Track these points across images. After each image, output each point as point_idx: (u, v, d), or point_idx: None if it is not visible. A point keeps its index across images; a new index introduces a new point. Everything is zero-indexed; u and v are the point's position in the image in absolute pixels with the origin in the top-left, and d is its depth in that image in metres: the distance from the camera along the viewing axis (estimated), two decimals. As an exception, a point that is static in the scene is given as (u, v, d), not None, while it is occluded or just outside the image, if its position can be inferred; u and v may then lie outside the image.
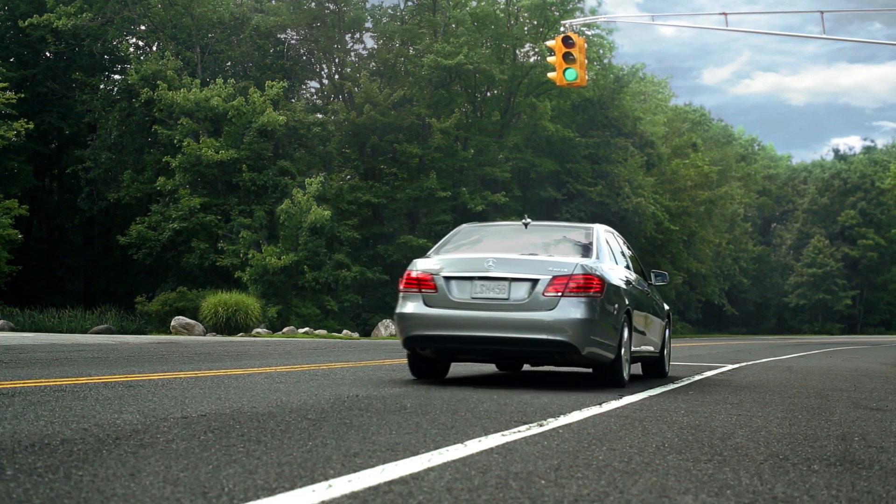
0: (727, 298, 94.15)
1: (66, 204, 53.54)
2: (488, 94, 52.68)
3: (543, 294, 8.89)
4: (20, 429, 4.79)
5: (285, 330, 37.54)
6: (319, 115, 47.55)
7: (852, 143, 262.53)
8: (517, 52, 52.32)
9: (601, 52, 53.62)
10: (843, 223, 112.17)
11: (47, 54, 51.79)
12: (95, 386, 7.70)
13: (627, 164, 54.38)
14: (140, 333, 38.34)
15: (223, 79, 44.60)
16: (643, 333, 10.87)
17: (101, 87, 49.07)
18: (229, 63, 50.70)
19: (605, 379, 9.63)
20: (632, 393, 8.76)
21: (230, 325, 37.31)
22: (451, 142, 48.20)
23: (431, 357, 9.71)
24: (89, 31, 46.72)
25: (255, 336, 34.85)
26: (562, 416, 6.37)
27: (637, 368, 12.30)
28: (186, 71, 45.75)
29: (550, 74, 26.30)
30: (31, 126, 42.40)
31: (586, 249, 9.87)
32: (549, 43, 26.13)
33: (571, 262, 9.15)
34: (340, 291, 42.68)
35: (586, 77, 26.15)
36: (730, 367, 16.12)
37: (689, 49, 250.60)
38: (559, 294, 8.85)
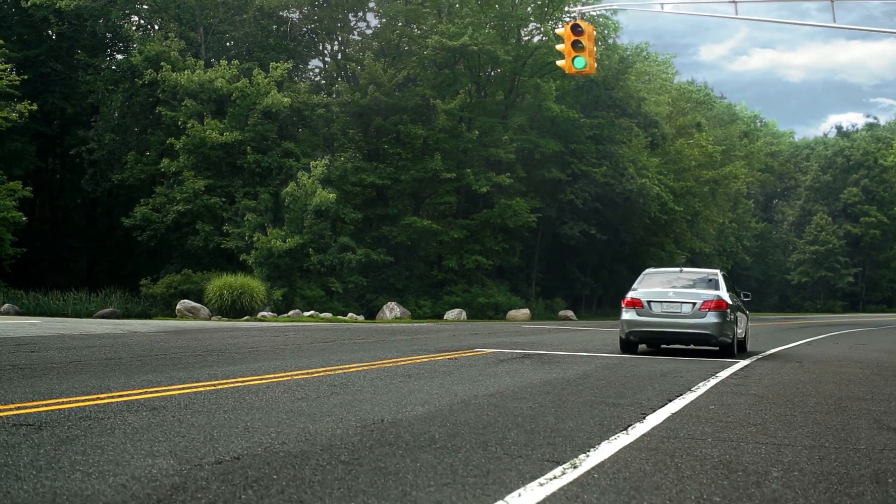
0: (729, 273, 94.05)
1: (69, 184, 53.46)
2: (492, 73, 52.45)
3: (699, 310, 17.38)
4: (59, 486, 4.76)
5: (290, 313, 37.55)
6: (324, 96, 47.26)
7: (850, 119, 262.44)
8: (521, 32, 52.08)
9: (606, 32, 53.34)
10: (846, 200, 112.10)
11: (50, 34, 51.54)
12: (119, 409, 7.68)
13: (632, 145, 54.24)
14: (145, 316, 38.37)
15: (227, 60, 44.41)
16: (738, 326, 18.60)
17: (104, 67, 48.77)
18: (232, 42, 50.47)
19: (726, 354, 17.67)
20: (654, 411, 8.76)
21: (235, 308, 37.31)
22: (455, 123, 48.04)
23: (635, 342, 18.01)
24: (92, 11, 46.51)
25: (260, 320, 34.86)
26: (591, 449, 6.35)
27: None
28: (190, 52, 45.52)
29: (559, 62, 26.17)
30: (35, 108, 42.28)
31: (716, 285, 18.42)
32: (559, 31, 25.99)
33: (711, 293, 17.80)
34: (345, 273, 42.64)
35: (595, 64, 26.02)
36: (741, 363, 16.07)
37: (687, 26, 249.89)
38: (707, 310, 17.34)
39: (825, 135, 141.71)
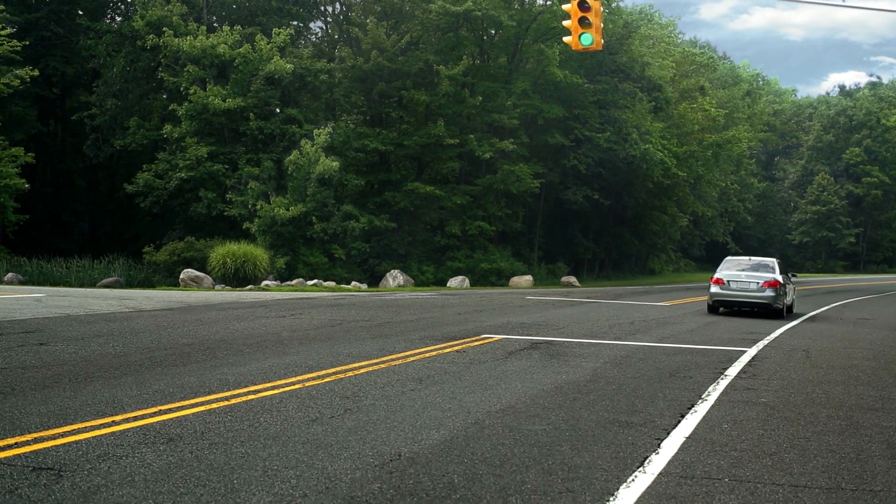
0: (731, 236, 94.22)
1: (71, 148, 53.32)
2: (496, 36, 52.05)
3: (761, 286, 25.80)
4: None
5: (294, 282, 37.57)
6: (327, 62, 46.93)
7: (851, 78, 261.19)
8: (525, -3, 51.62)
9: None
10: (848, 161, 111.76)
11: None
12: (136, 441, 7.69)
13: (635, 110, 53.95)
14: (149, 285, 38.41)
15: (229, 24, 44.11)
16: (787, 296, 26.98)
17: (106, 31, 48.41)
18: (235, 6, 50.08)
19: (778, 316, 25.95)
20: (668, 433, 8.78)
21: (238, 276, 37.39)
22: (458, 88, 47.77)
23: (717, 306, 26.63)
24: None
25: (264, 290, 34.87)
26: (610, 498, 6.37)
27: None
28: (192, 16, 45.20)
29: (566, 39, 25.94)
30: (36, 73, 42.08)
31: (773, 269, 26.64)
32: (566, 7, 25.73)
33: (769, 276, 26.14)
34: (348, 241, 42.64)
35: (602, 41, 25.81)
36: (749, 353, 16.10)
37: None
38: (767, 287, 25.76)
39: (828, 93, 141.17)
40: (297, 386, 10.86)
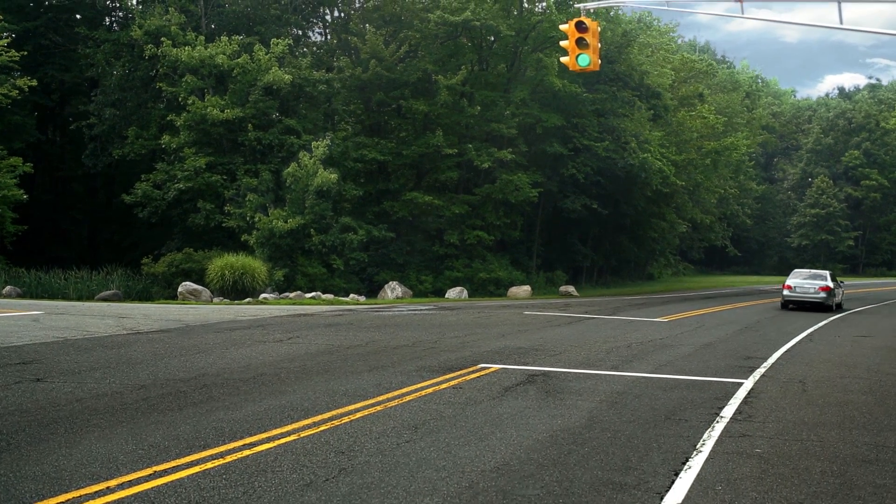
0: (730, 239, 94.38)
1: (70, 155, 53.37)
2: (495, 44, 52.08)
3: (817, 290, 38.98)
4: None
5: (292, 295, 37.61)
6: (325, 73, 46.93)
7: (846, 80, 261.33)
8: (524, 2, 51.60)
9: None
10: (847, 163, 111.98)
11: (49, 5, 51.15)
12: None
13: (634, 118, 54.00)
14: (147, 297, 38.49)
15: (227, 33, 44.13)
16: (837, 297, 40.46)
17: (104, 40, 48.42)
18: (234, 15, 50.08)
19: (829, 310, 38.31)
20: (662, 498, 8.80)
21: (237, 288, 37.44)
22: (457, 98, 47.80)
23: (787, 304, 39.39)
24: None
25: (262, 303, 34.90)
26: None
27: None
28: (190, 25, 45.22)
29: (564, 59, 26.05)
30: (35, 83, 42.12)
31: (826, 279, 40.09)
32: (563, 27, 25.77)
33: (823, 283, 39.52)
34: (346, 252, 42.70)
35: (599, 61, 25.85)
36: (745, 386, 16.12)
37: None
38: (821, 291, 38.94)
39: (827, 95, 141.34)
40: (292, 437, 10.88)
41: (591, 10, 29.20)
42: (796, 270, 42.75)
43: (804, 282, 39.58)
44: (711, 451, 11.04)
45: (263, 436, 10.89)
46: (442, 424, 11.91)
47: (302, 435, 11.01)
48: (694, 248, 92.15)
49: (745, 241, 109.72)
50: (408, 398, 13.71)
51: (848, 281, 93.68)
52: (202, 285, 37.14)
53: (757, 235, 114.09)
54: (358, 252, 43.50)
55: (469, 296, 43.98)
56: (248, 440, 10.63)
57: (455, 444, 10.79)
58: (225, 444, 10.41)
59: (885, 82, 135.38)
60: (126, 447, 10.06)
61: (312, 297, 37.41)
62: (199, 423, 11.44)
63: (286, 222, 39.72)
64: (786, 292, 39.49)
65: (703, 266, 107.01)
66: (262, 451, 10.16)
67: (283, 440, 10.70)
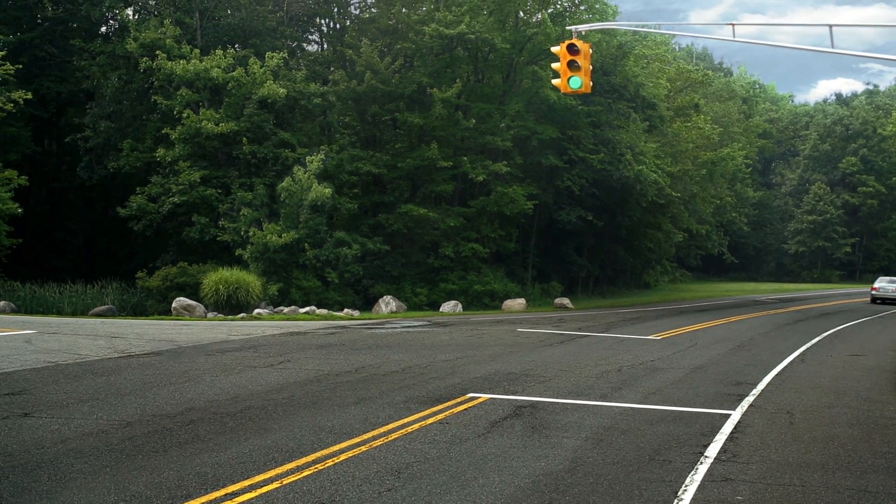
0: (727, 247, 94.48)
1: (66, 166, 53.41)
2: (490, 55, 52.18)
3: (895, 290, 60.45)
4: None
5: (287, 310, 37.68)
6: (321, 86, 47.02)
7: (840, 85, 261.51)
8: (519, 14, 51.67)
9: (604, 16, 52.95)
10: (844, 170, 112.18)
11: (45, 16, 51.21)
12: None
13: (629, 130, 54.09)
14: (142, 311, 38.58)
15: (222, 46, 44.21)
16: None
17: (100, 52, 48.48)
18: (229, 28, 50.16)
19: None
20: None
21: (231, 303, 37.52)
22: (452, 111, 47.89)
23: (874, 300, 59.31)
24: (86, -5, 46.28)
25: (256, 318, 34.96)
26: None
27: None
28: (185, 37, 45.30)
29: (555, 81, 26.09)
30: (30, 96, 42.20)
31: None
32: (555, 49, 25.83)
33: None
34: (341, 266, 42.77)
35: (590, 84, 25.91)
36: (732, 419, 16.15)
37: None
38: None
39: (825, 100, 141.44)
40: (275, 485, 10.90)
41: (583, 32, 29.22)
42: (882, 277, 63.60)
43: (887, 284, 59.97)
44: (692, 500, 11.07)
45: (246, 483, 10.92)
46: (425, 469, 11.94)
47: (285, 482, 11.03)
48: (691, 255, 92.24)
49: (743, 247, 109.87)
50: (393, 436, 13.74)
51: (845, 289, 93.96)
52: (196, 300, 37.22)
53: (754, 242, 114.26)
54: (353, 265, 43.57)
55: (464, 309, 44.04)
56: (230, 488, 10.67)
57: (436, 493, 10.82)
58: (207, 493, 10.44)
59: (882, 88, 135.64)
60: (108, 498, 10.09)
61: (306, 312, 37.48)
62: (182, 468, 11.47)
63: (280, 237, 39.79)
64: (873, 293, 59.53)
65: (701, 273, 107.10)
66: (244, 501, 10.19)
67: (265, 488, 10.74)
